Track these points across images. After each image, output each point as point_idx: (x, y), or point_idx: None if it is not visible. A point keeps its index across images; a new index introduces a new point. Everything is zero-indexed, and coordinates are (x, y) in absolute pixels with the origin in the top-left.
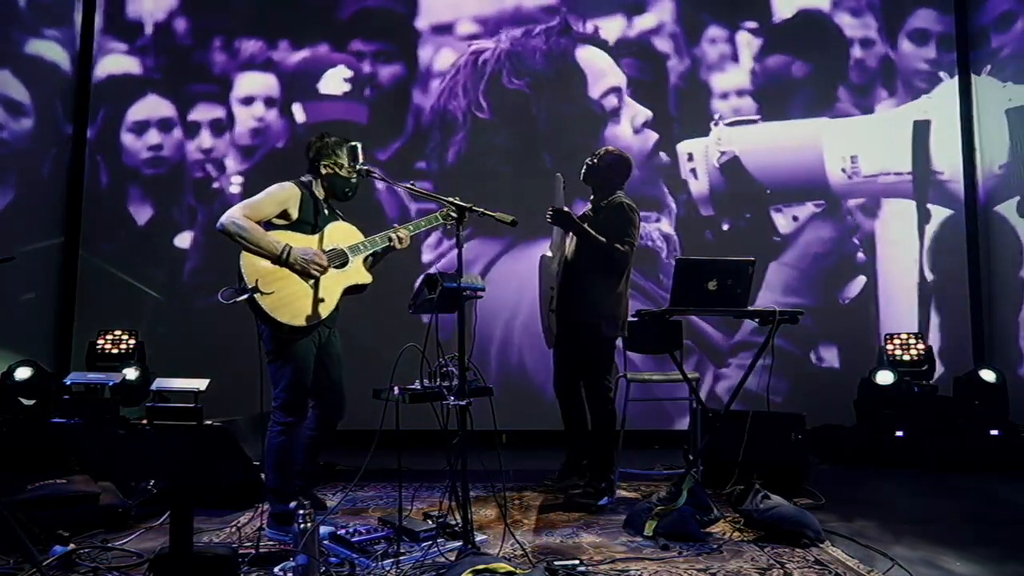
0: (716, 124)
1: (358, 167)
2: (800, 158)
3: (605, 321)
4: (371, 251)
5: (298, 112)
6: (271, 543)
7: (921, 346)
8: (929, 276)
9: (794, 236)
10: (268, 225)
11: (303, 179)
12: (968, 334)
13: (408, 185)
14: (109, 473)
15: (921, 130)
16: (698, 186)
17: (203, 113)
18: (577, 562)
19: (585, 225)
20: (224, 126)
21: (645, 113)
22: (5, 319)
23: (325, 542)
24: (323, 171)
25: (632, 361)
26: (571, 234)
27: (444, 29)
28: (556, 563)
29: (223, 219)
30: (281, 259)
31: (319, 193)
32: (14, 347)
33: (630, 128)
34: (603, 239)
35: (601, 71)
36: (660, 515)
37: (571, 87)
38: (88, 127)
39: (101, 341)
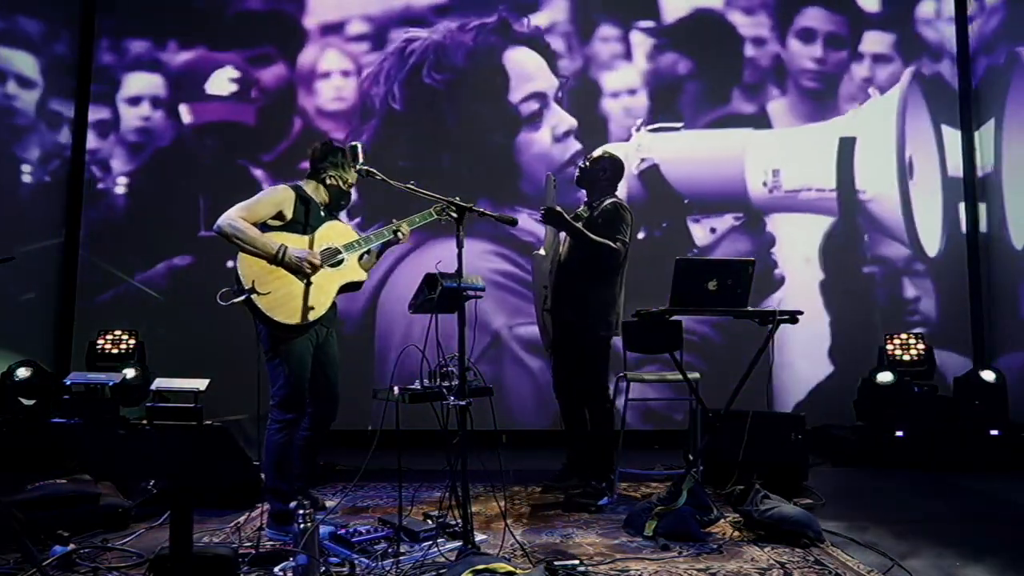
0: (638, 130)
1: (358, 167)
2: (721, 169)
3: (600, 321)
4: (366, 248)
5: (185, 113)
6: (271, 543)
7: (921, 346)
8: (825, 274)
9: (711, 248)
10: (264, 227)
11: (298, 181)
12: (968, 334)
13: (408, 185)
14: (109, 473)
15: (846, 147)
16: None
17: (88, 113)
18: (577, 562)
19: (579, 224)
20: (110, 126)
21: (569, 121)
22: (5, 319)
23: (325, 542)
24: (328, 181)
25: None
26: (565, 234)
27: (332, 29)
28: (556, 563)
29: (220, 221)
30: (276, 259)
31: (316, 196)
32: (14, 347)
33: (550, 135)
34: (596, 237)
35: (528, 74)
36: (660, 515)
37: (493, 88)
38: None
39: (101, 341)
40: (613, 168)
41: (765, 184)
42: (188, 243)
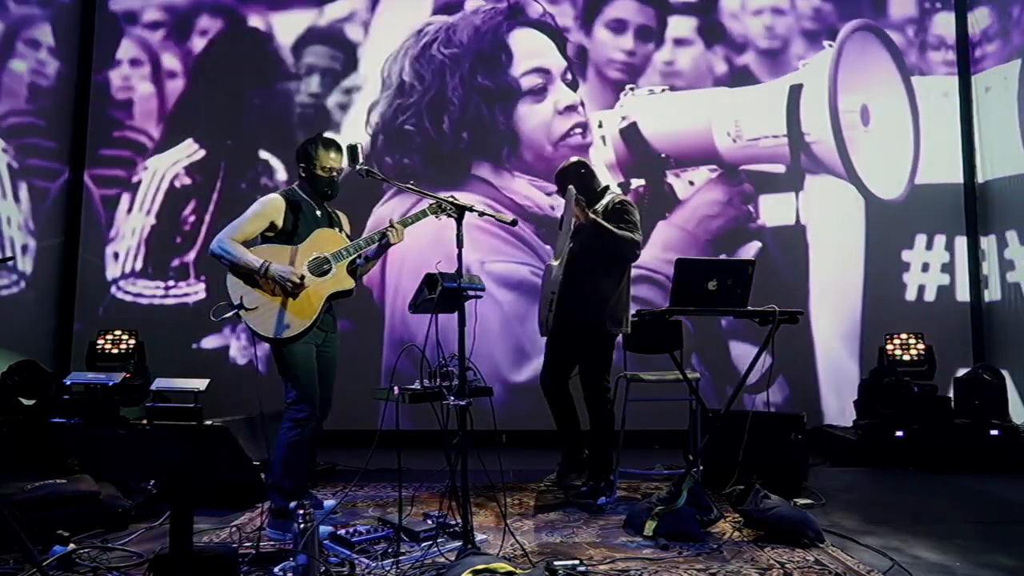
0: (626, 94)
1: (357, 167)
2: (693, 125)
3: (608, 319)
4: (355, 255)
5: None
6: (271, 543)
7: (921, 346)
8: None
9: (690, 200)
10: (261, 237)
11: (293, 185)
12: (968, 334)
13: (408, 185)
14: (109, 473)
15: (794, 94)
16: (606, 152)
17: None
18: (577, 562)
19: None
20: None
21: (571, 96)
22: (5, 319)
23: (325, 542)
24: (301, 174)
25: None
26: (568, 238)
27: (130, 17)
28: (556, 563)
29: (212, 244)
30: (259, 275)
31: (309, 196)
32: (14, 347)
33: (552, 108)
34: (619, 231)
35: (532, 52)
36: (660, 515)
37: (496, 64)
38: None
39: (101, 341)
40: (582, 168)
41: (729, 134)
42: None
